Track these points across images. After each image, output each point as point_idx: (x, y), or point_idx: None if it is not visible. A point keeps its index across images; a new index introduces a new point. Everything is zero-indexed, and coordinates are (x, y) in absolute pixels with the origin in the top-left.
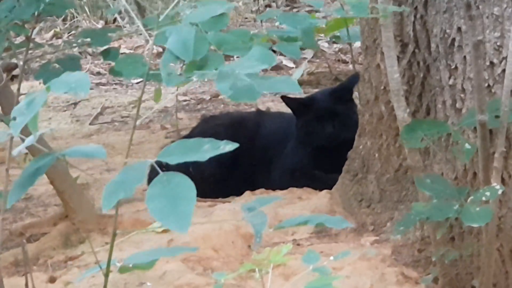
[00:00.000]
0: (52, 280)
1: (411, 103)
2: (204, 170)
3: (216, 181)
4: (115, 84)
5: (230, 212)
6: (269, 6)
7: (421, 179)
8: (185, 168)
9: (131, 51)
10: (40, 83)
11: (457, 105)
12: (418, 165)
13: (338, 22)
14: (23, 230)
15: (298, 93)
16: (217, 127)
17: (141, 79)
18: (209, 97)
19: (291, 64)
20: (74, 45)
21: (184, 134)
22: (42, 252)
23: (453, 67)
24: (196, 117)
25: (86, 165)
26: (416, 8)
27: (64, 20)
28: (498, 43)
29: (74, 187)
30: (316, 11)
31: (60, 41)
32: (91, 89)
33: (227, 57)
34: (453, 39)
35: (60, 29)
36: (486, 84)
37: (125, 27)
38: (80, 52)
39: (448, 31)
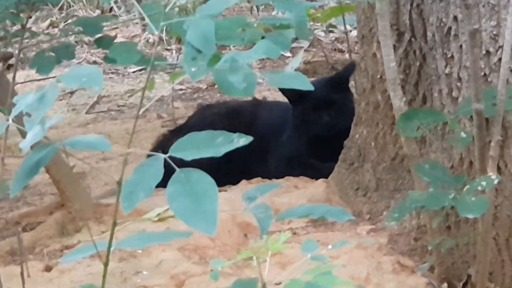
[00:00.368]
0: (48, 269)
1: (407, 92)
2: (200, 159)
3: (212, 170)
4: (111, 73)
5: (226, 201)
6: None
7: (419, 164)
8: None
9: (127, 40)
10: (35, 72)
11: (453, 94)
12: (415, 153)
13: (334, 10)
14: (19, 219)
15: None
16: (213, 116)
17: (137, 68)
18: (206, 86)
19: (287, 53)
20: (70, 33)
21: (180, 123)
22: (38, 241)
23: (449, 56)
24: (192, 106)
25: (82, 154)
26: None
27: (61, 9)
28: (494, 32)
29: (70, 176)
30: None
31: (56, 30)
32: None
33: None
34: (449, 28)
35: (57, 18)
36: (482, 73)
37: (121, 16)
38: (76, 41)
39: (444, 20)
